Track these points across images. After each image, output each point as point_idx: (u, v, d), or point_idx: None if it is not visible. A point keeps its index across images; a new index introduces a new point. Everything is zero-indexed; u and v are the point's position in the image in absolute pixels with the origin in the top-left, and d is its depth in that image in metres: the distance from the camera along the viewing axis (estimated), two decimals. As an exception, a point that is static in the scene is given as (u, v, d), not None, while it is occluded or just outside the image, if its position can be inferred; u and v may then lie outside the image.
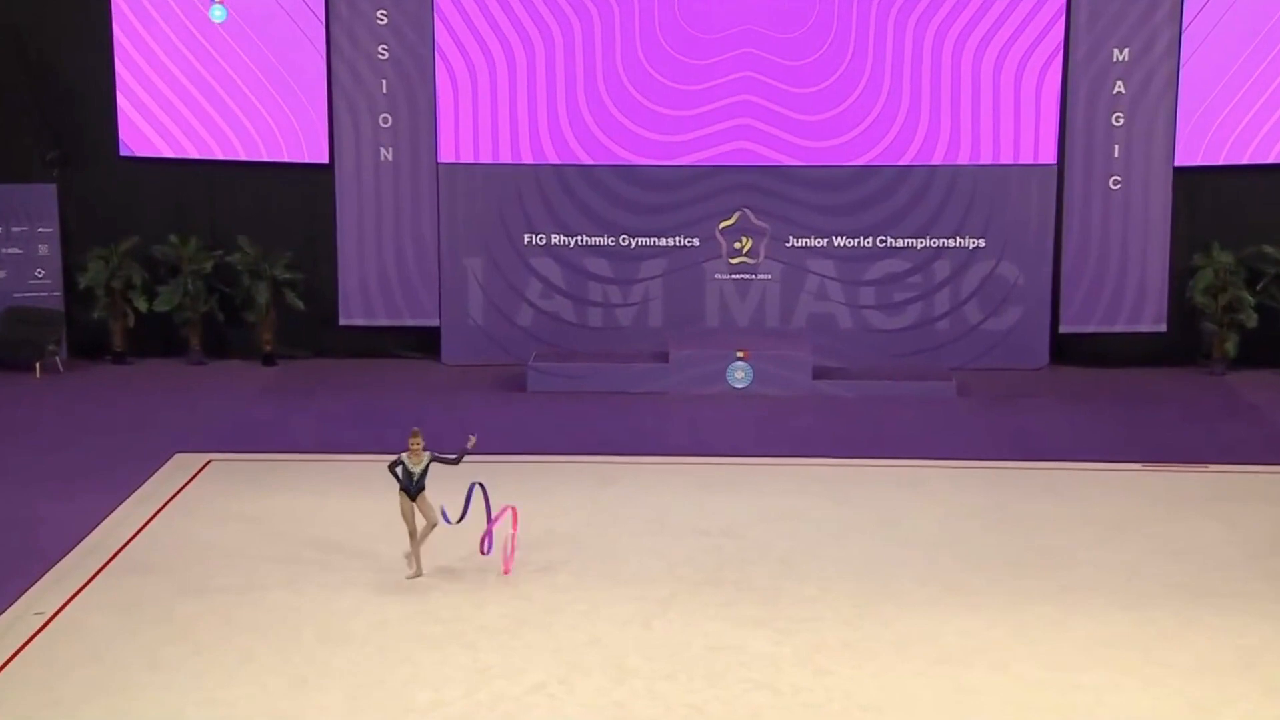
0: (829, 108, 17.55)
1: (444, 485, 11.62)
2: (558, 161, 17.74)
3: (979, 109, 17.48)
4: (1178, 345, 17.82)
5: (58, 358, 17.68)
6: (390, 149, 17.70)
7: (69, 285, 17.98)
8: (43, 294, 17.98)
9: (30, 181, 17.83)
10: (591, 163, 17.75)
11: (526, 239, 17.88)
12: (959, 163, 17.60)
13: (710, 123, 17.60)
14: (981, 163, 17.60)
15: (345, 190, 17.78)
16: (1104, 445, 14.98)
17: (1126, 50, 17.30)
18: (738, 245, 17.88)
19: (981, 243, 17.74)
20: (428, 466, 11.29)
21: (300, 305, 17.80)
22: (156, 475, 13.83)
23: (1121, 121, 17.45)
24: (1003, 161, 17.59)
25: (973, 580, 11.57)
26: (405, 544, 11.47)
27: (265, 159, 17.76)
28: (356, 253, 17.86)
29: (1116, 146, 17.48)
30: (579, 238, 17.89)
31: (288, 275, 17.76)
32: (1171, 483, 13.88)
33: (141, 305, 17.75)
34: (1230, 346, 17.54)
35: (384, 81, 17.60)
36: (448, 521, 11.41)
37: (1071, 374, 17.67)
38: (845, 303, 17.86)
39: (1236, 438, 15.28)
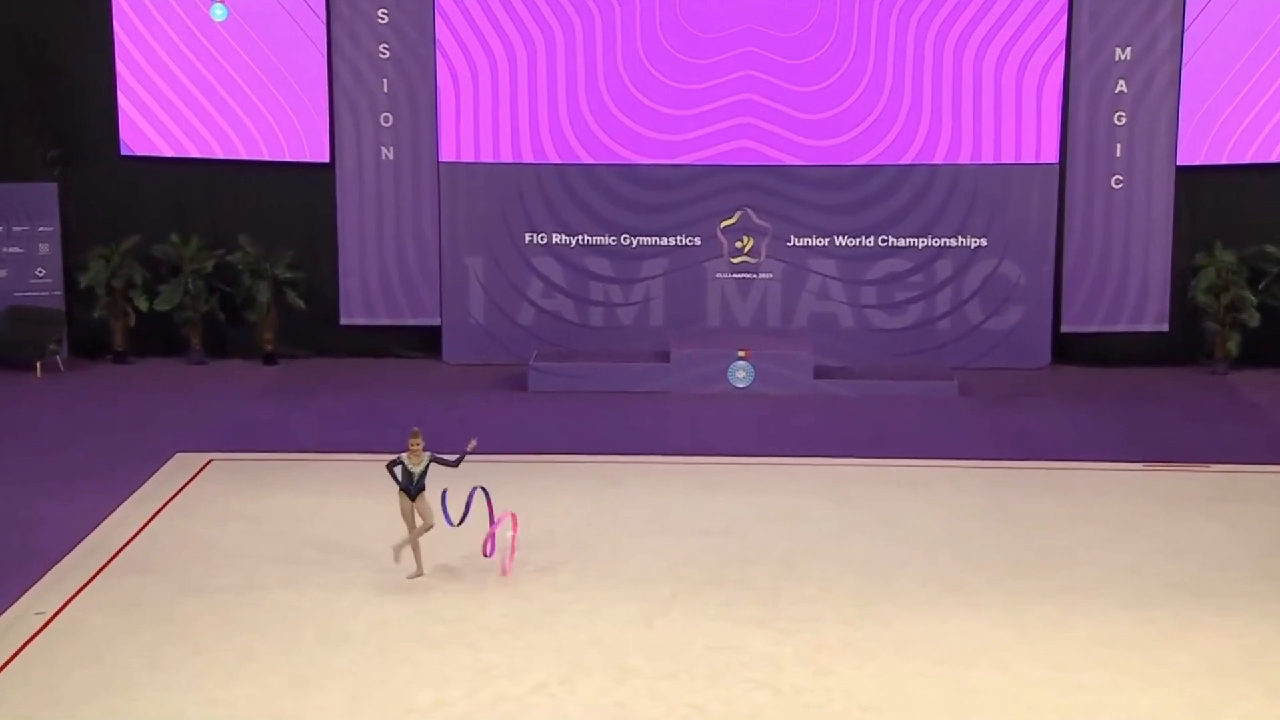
0: (830, 107, 17.53)
1: (448, 486, 11.60)
2: (559, 161, 17.73)
3: (980, 108, 17.47)
4: (1180, 345, 17.80)
5: (58, 357, 17.67)
6: (391, 148, 17.69)
7: (70, 284, 17.97)
8: (43, 293, 17.98)
9: (31, 180, 17.82)
10: (593, 162, 17.73)
11: (528, 238, 17.87)
12: (960, 162, 17.58)
13: (711, 122, 17.58)
14: (983, 162, 17.58)
15: (346, 189, 17.77)
16: (1106, 445, 14.97)
17: (1129, 49, 17.28)
18: (739, 244, 17.87)
19: (983, 242, 17.73)
20: (427, 467, 11.28)
21: (301, 304, 17.79)
22: (157, 475, 13.82)
23: (1124, 121, 17.43)
24: (1004, 161, 17.57)
25: (974, 580, 11.55)
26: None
27: (266, 158, 17.75)
28: (357, 252, 17.85)
29: (1118, 146, 17.46)
30: (580, 237, 17.87)
31: (289, 274, 17.75)
32: (1173, 483, 13.87)
33: (142, 304, 17.74)
34: (1232, 346, 17.52)
35: (385, 80, 17.59)
36: (450, 523, 11.40)
37: (1073, 374, 17.65)
38: (847, 302, 17.85)
39: (1238, 437, 15.27)
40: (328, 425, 15.52)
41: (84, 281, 17.76)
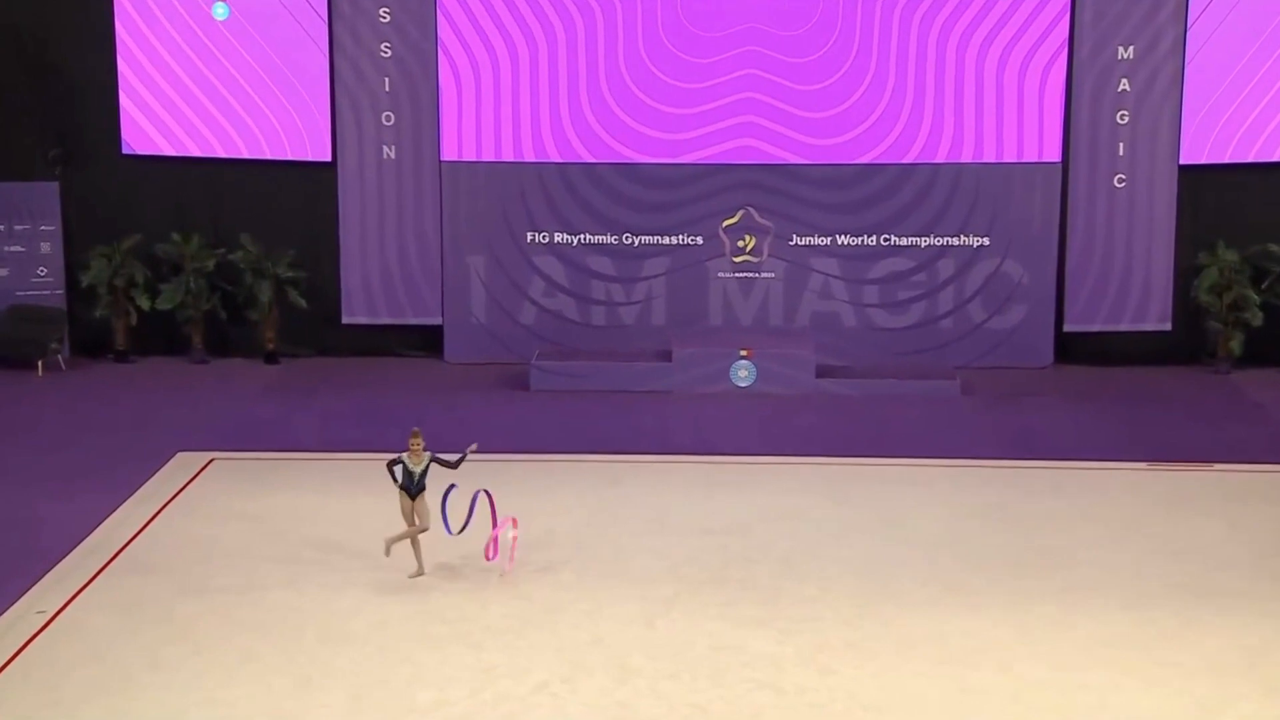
0: (833, 105, 17.52)
1: (452, 487, 11.60)
2: (560, 159, 17.71)
3: (983, 107, 17.45)
4: (1182, 344, 17.79)
5: (60, 356, 17.67)
6: (393, 147, 17.68)
7: (71, 283, 17.97)
8: (45, 292, 17.97)
9: (32, 179, 17.81)
10: (594, 161, 17.72)
11: (529, 237, 17.86)
12: (963, 161, 17.56)
13: (713, 120, 17.57)
14: (985, 161, 17.56)
15: (348, 188, 17.76)
16: (1108, 444, 14.95)
17: (1131, 48, 17.26)
18: (741, 244, 17.85)
19: (986, 241, 17.71)
20: (428, 467, 11.27)
21: (303, 303, 17.79)
22: (158, 474, 13.81)
23: (1126, 119, 17.41)
24: (1007, 159, 17.55)
25: (976, 580, 11.54)
26: (403, 542, 11.44)
27: (268, 157, 17.74)
28: (359, 251, 17.85)
29: (1121, 144, 17.44)
30: (582, 236, 17.86)
31: (290, 273, 17.75)
32: (1176, 482, 13.85)
33: (144, 303, 17.73)
34: (1235, 345, 17.50)
35: (387, 79, 17.58)
36: (449, 532, 11.39)
37: (1076, 373, 17.63)
38: (849, 301, 17.83)
39: (1241, 437, 15.25)
40: (329, 424, 15.51)
41: (85, 280, 17.76)
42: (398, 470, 11.33)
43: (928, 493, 13.49)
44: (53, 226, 17.92)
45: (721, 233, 17.85)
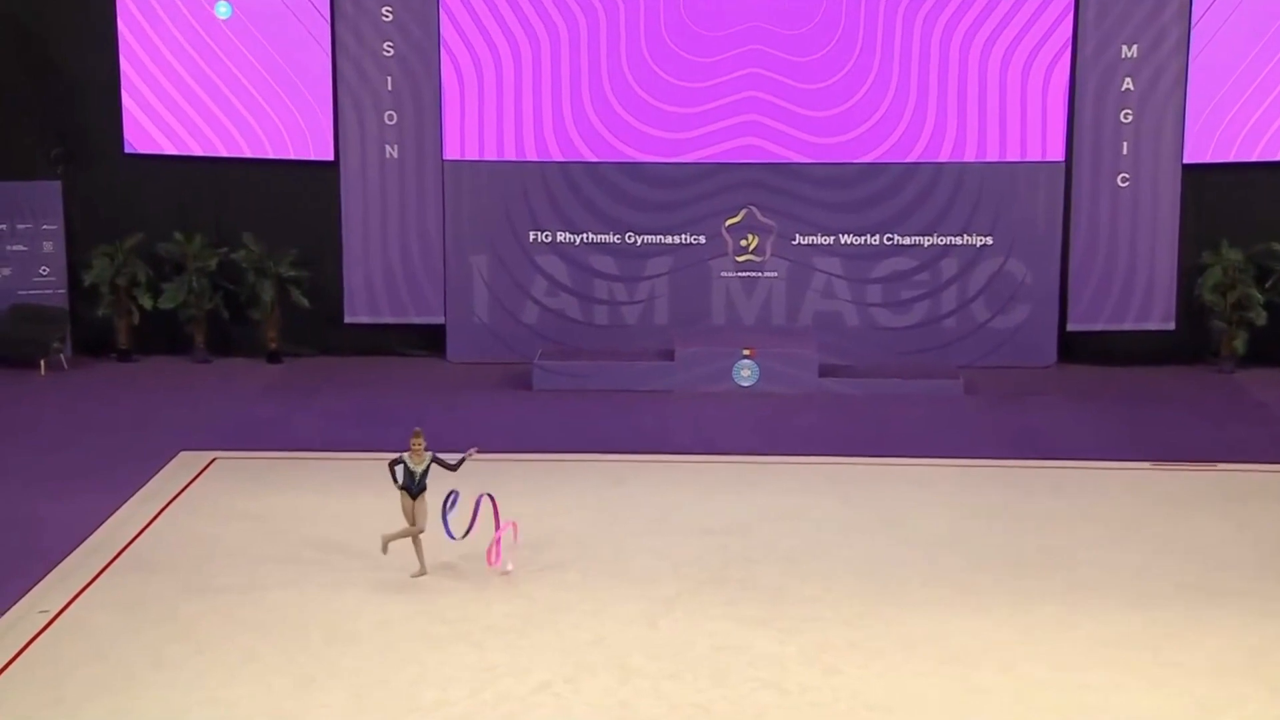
0: (836, 104, 17.50)
1: (456, 489, 11.58)
2: (563, 158, 17.70)
3: (986, 105, 17.42)
4: (1186, 343, 17.76)
5: (62, 355, 17.67)
6: (395, 146, 17.67)
7: (74, 283, 17.97)
8: (47, 291, 17.97)
9: (35, 179, 17.81)
10: (597, 160, 17.70)
11: (532, 236, 17.85)
12: (966, 160, 17.54)
13: (716, 119, 17.55)
14: (989, 160, 17.53)
15: (350, 187, 17.75)
16: (1112, 444, 14.93)
17: (1135, 47, 17.23)
18: (744, 243, 17.83)
19: (989, 240, 17.69)
20: (429, 467, 11.27)
21: (305, 303, 17.78)
22: (161, 473, 13.81)
23: (1130, 118, 17.38)
24: (1010, 158, 17.52)
25: (980, 579, 11.52)
26: (404, 541, 11.44)
27: (270, 156, 17.74)
28: (362, 250, 17.84)
29: (1125, 143, 17.41)
30: (584, 235, 17.85)
31: (293, 273, 17.74)
32: (1180, 482, 13.83)
33: (146, 303, 17.73)
34: (1239, 344, 17.47)
35: (389, 78, 17.56)
36: (451, 537, 11.38)
37: (1079, 372, 17.61)
38: (852, 300, 17.81)
39: (1245, 436, 15.22)
40: (332, 424, 15.50)
41: (88, 280, 17.75)
42: (399, 470, 11.33)
43: (930, 492, 13.47)
44: (55, 226, 17.92)
45: (724, 232, 17.83)
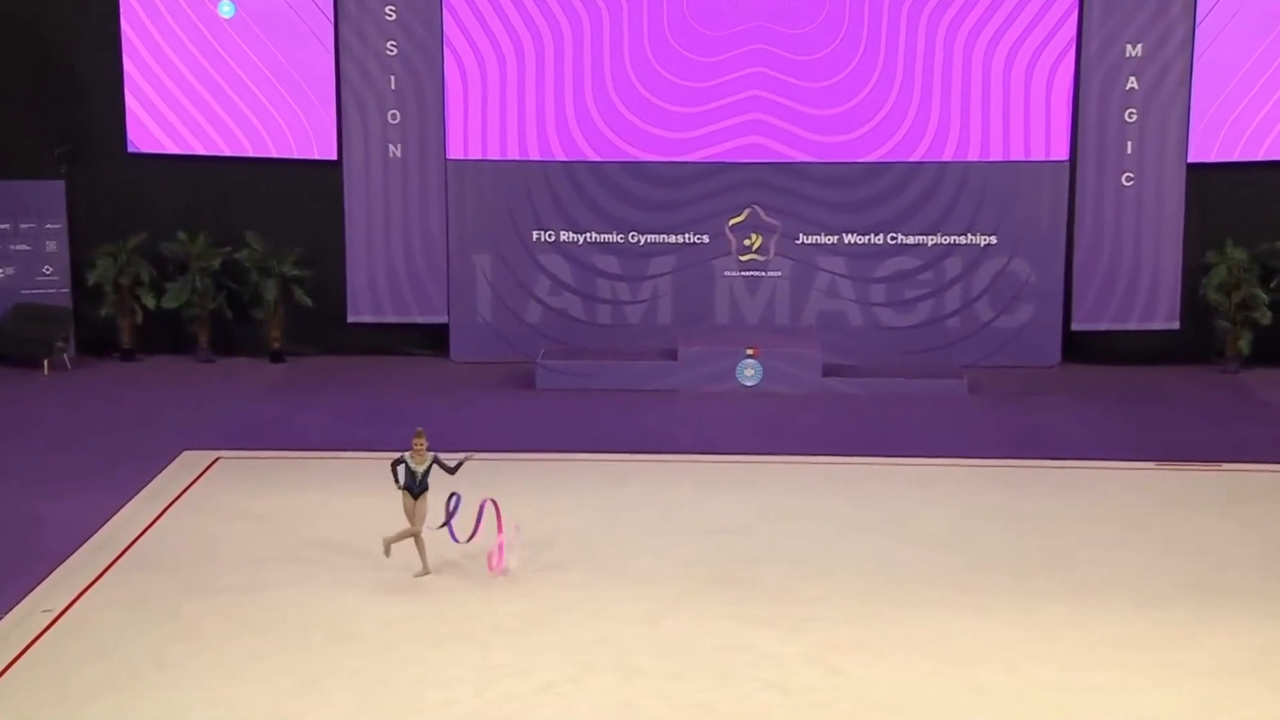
0: (839, 104, 17.48)
1: (460, 492, 11.57)
2: (566, 158, 17.69)
3: (990, 105, 17.40)
4: (1191, 343, 17.73)
5: (66, 355, 17.66)
6: (399, 145, 17.66)
7: (77, 282, 17.96)
8: (51, 291, 17.97)
9: (38, 178, 17.81)
10: (600, 159, 17.69)
11: (535, 236, 17.83)
12: (970, 159, 17.51)
13: (720, 118, 17.53)
14: (993, 159, 17.51)
15: (354, 187, 17.74)
16: (1116, 444, 14.91)
17: (1140, 46, 17.20)
18: (747, 242, 17.82)
19: (993, 239, 17.66)
20: (430, 467, 11.26)
21: (308, 302, 17.77)
22: (164, 472, 13.80)
23: (1134, 118, 17.35)
24: (1014, 158, 17.50)
25: (984, 579, 11.50)
26: (407, 541, 11.44)
27: (273, 155, 17.73)
28: (365, 250, 17.83)
29: (1129, 143, 17.38)
30: (588, 235, 17.83)
31: (296, 272, 17.73)
32: (1184, 482, 13.81)
33: (149, 302, 17.73)
34: (1244, 344, 17.44)
35: (392, 78, 17.55)
36: (455, 539, 11.37)
37: (1083, 372, 17.58)
38: (856, 300, 17.79)
39: (1249, 436, 15.19)
40: (335, 423, 15.49)
41: (91, 279, 17.75)
42: (400, 470, 11.32)
43: (934, 492, 13.45)
44: (58, 225, 17.92)
45: (728, 231, 17.81)
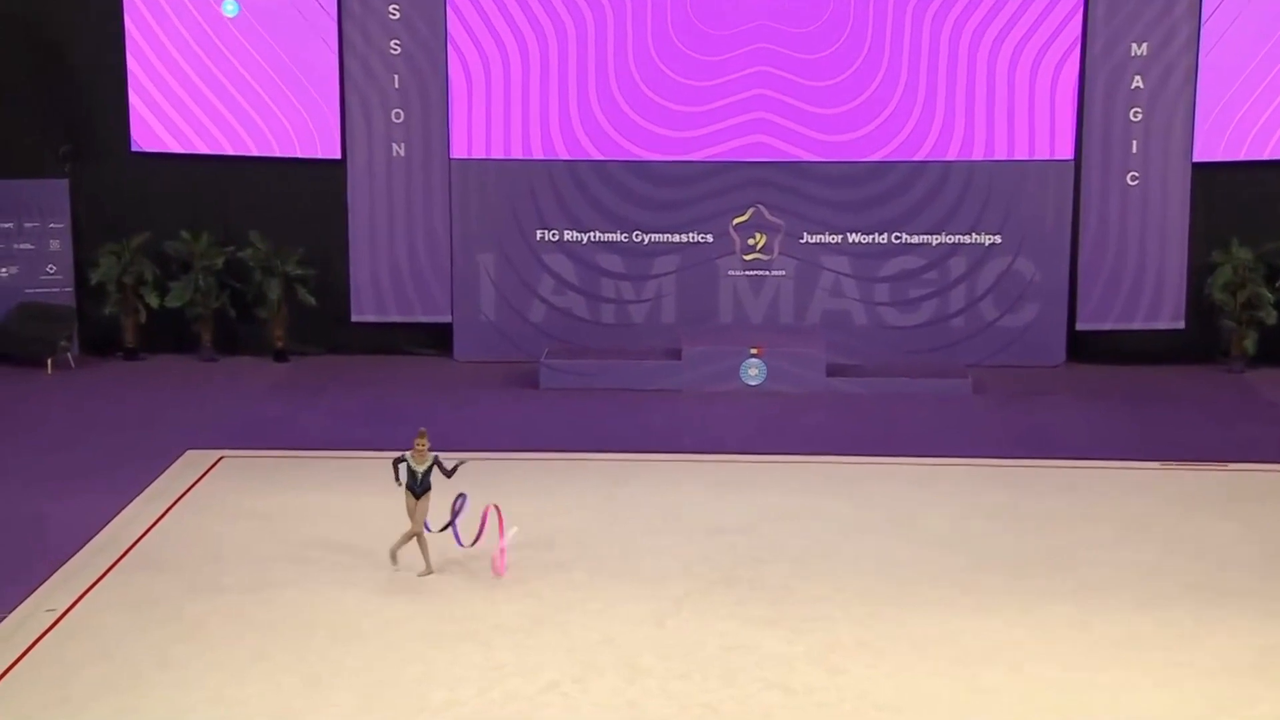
0: (844, 103, 17.45)
1: (458, 488, 11.56)
2: (570, 157, 17.67)
3: (995, 104, 17.37)
4: (1196, 342, 17.70)
5: (69, 354, 17.66)
6: (402, 144, 17.64)
7: (80, 281, 17.96)
8: (54, 290, 17.96)
9: (42, 177, 17.80)
10: (604, 158, 17.67)
11: (539, 235, 17.82)
12: (975, 158, 17.49)
13: (724, 118, 17.51)
14: (997, 158, 17.48)
15: (357, 186, 17.73)
16: (1121, 443, 14.88)
17: (1145, 45, 17.17)
18: (751, 241, 17.79)
19: (998, 239, 17.63)
20: (431, 467, 11.25)
21: (312, 301, 17.76)
22: (168, 472, 13.80)
23: (1140, 117, 17.32)
24: (1019, 157, 17.47)
25: (988, 579, 11.48)
26: (411, 543, 11.44)
27: (277, 154, 17.72)
28: (369, 249, 17.82)
29: (1134, 142, 17.36)
30: (592, 234, 17.82)
31: (299, 271, 17.72)
32: (1189, 482, 13.78)
33: (153, 301, 17.73)
34: (1249, 344, 17.41)
35: (396, 77, 17.54)
36: (460, 544, 11.37)
37: (1088, 371, 17.55)
38: (860, 299, 17.77)
39: (1255, 436, 15.16)
40: (339, 422, 15.48)
41: (95, 278, 17.75)
42: (401, 469, 11.32)
43: (939, 492, 13.42)
44: (62, 224, 17.91)
45: (732, 230, 17.79)
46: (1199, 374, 17.41)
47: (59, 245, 17.94)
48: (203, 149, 17.76)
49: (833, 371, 16.80)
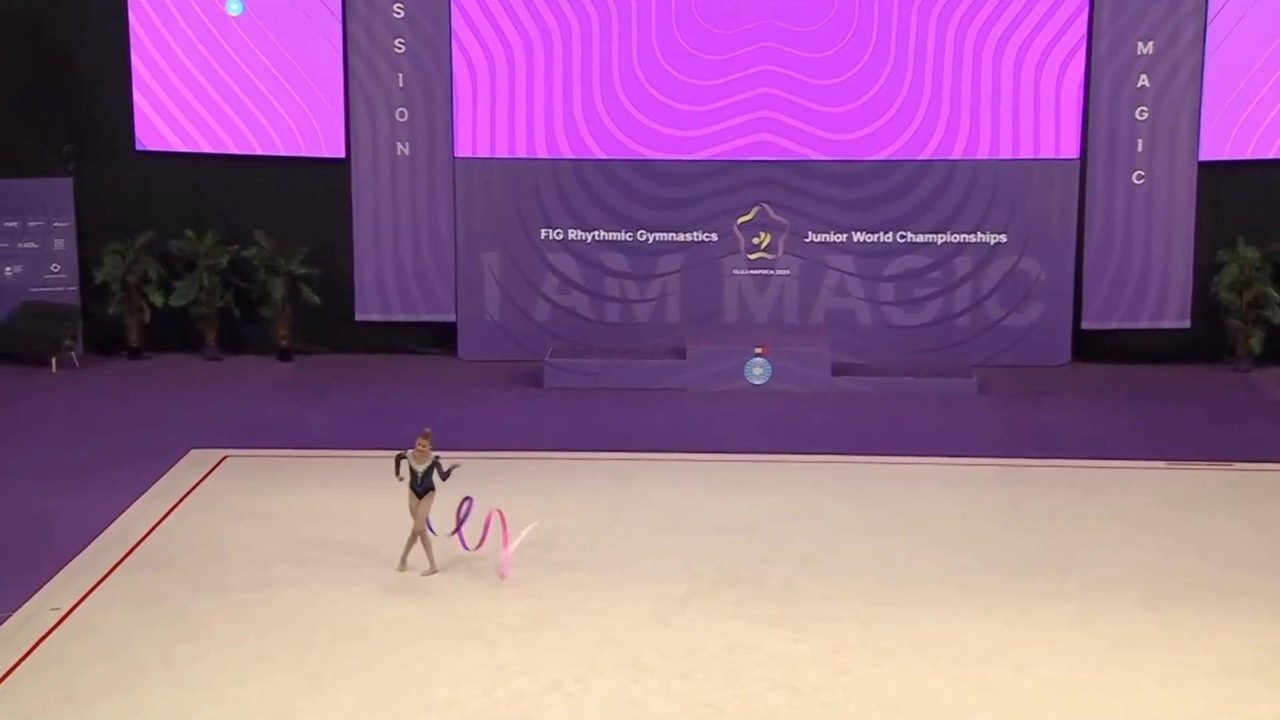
0: (849, 101, 17.42)
1: (462, 489, 11.56)
2: (574, 156, 17.65)
3: (1000, 102, 17.33)
4: (1202, 342, 17.66)
5: (74, 353, 17.67)
6: (407, 143, 17.63)
7: (85, 280, 17.97)
8: (59, 289, 17.98)
9: (46, 176, 17.81)
10: (608, 157, 17.65)
11: (543, 234, 17.80)
12: (980, 157, 17.45)
13: (728, 116, 17.49)
14: (1003, 157, 17.44)
15: (362, 185, 17.72)
16: (1126, 443, 14.85)
17: (1151, 43, 17.13)
18: (756, 240, 17.77)
19: (1003, 238, 17.60)
20: (430, 468, 11.25)
21: (316, 300, 17.76)
22: (172, 471, 13.80)
23: (1145, 115, 17.28)
24: (1024, 156, 17.43)
25: (992, 579, 11.46)
26: (416, 543, 11.44)
27: (281, 153, 17.72)
28: (373, 248, 17.81)
29: (1140, 141, 17.31)
30: (596, 233, 17.80)
31: (304, 270, 17.72)
32: (1194, 481, 13.75)
33: (157, 300, 17.73)
34: (1255, 343, 17.37)
35: (400, 75, 17.53)
36: (465, 548, 11.38)
37: (1094, 371, 17.51)
38: (865, 298, 17.74)
39: (1261, 436, 15.13)
40: (343, 421, 15.48)
41: (99, 277, 17.76)
42: (403, 466, 11.33)
43: (944, 491, 13.40)
44: (66, 223, 17.93)
45: (736, 229, 17.77)
46: (1204, 373, 17.37)
47: (63, 244, 17.95)
48: (207, 148, 17.76)
49: (838, 371, 16.77)
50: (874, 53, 17.33)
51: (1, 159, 17.67)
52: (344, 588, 11.19)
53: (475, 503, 11.50)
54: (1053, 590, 11.23)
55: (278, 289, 17.63)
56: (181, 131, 17.73)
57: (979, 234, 17.61)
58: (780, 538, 12.25)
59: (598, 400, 16.25)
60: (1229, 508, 13.03)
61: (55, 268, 17.99)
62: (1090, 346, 17.80)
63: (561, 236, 17.81)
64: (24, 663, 10.01)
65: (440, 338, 18.10)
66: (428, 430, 11.47)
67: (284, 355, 17.95)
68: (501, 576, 11.34)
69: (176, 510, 12.87)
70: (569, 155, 17.65)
